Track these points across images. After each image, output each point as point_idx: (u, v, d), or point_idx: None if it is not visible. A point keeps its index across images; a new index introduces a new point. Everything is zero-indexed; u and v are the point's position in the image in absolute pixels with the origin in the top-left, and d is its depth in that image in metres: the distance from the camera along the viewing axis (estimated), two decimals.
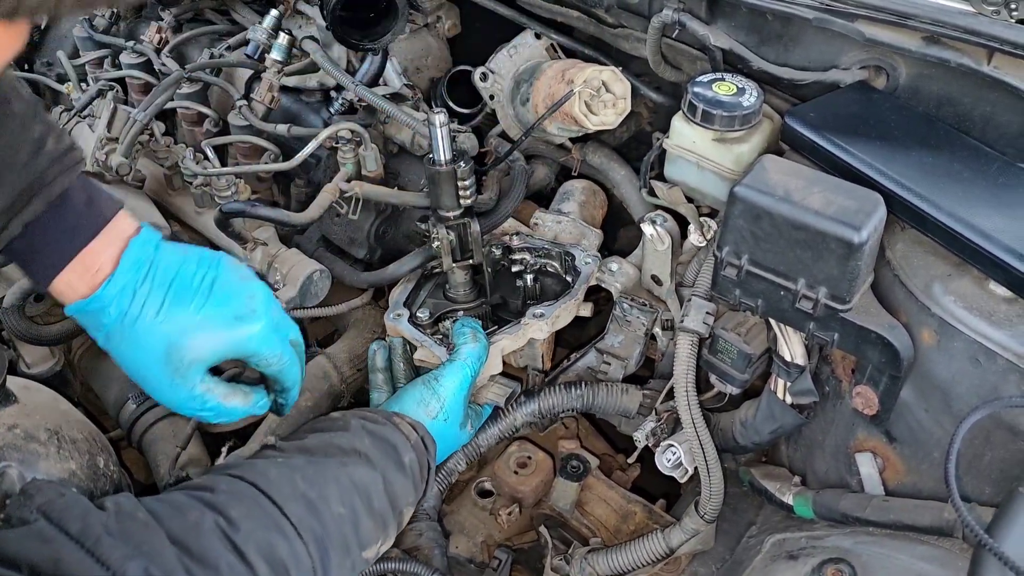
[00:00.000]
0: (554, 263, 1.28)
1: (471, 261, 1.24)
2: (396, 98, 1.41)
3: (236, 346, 0.90)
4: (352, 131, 1.30)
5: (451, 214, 1.19)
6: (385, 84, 1.43)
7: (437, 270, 1.27)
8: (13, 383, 1.08)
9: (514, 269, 1.29)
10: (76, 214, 0.87)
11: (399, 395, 1.11)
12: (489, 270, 1.27)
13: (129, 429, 1.36)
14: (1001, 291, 0.88)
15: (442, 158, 1.15)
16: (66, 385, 1.48)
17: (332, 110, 1.44)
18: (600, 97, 1.23)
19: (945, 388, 0.92)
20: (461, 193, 1.17)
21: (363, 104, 1.41)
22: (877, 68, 1.06)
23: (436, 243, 1.21)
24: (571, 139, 1.39)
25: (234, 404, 0.94)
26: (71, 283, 0.86)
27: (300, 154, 1.28)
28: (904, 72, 1.05)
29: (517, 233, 1.31)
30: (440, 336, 1.21)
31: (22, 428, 1.01)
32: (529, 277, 1.27)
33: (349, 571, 0.91)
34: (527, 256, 1.29)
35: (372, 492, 0.94)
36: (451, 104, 1.51)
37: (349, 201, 1.28)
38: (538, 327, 1.18)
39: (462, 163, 1.15)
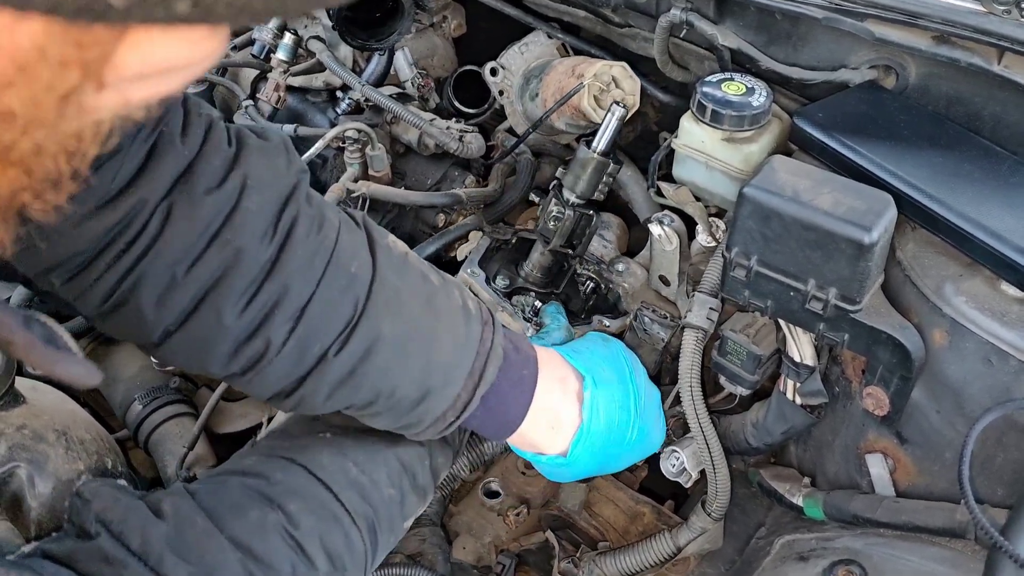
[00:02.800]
0: (605, 282, 1.31)
1: (572, 251, 1.25)
2: (403, 98, 1.41)
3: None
4: (359, 131, 1.30)
5: (581, 200, 1.20)
6: (397, 75, 1.43)
7: (506, 240, 1.30)
8: (21, 384, 1.08)
9: (579, 271, 1.31)
10: (514, 364, 0.97)
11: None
12: (566, 265, 1.29)
13: (136, 429, 1.36)
14: (1013, 291, 0.87)
15: (602, 147, 1.17)
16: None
17: (338, 110, 1.43)
18: (609, 92, 1.23)
19: (957, 389, 0.92)
20: (600, 187, 1.20)
21: (370, 104, 1.41)
22: (887, 68, 1.06)
23: (555, 221, 1.22)
24: (578, 139, 1.39)
25: None
26: (532, 441, 1.01)
27: (307, 154, 1.28)
28: (914, 72, 1.04)
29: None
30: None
31: (31, 429, 1.01)
32: (591, 285, 1.30)
33: (391, 544, 0.95)
34: (592, 267, 1.31)
35: (418, 470, 0.96)
36: (457, 104, 1.51)
37: (356, 201, 1.27)
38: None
39: (613, 163, 1.19)
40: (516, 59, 1.39)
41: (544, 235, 1.24)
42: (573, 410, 1.03)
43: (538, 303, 1.27)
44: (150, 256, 0.76)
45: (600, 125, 1.18)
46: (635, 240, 1.48)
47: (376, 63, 1.40)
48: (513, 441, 1.02)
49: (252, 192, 0.79)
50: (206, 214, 0.77)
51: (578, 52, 1.40)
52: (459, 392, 0.90)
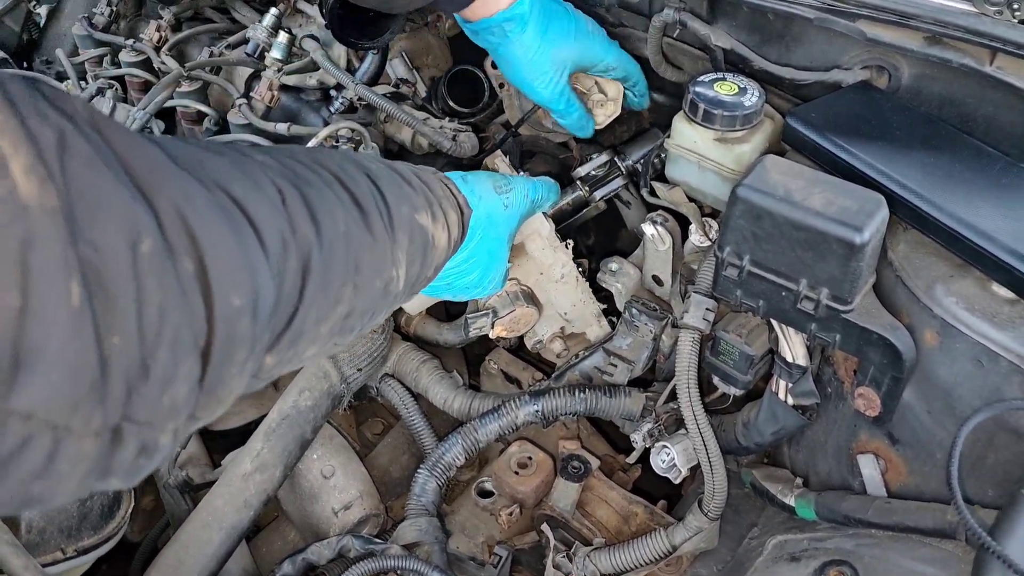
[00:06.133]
0: None
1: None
2: (397, 97, 1.40)
3: (590, 53, 1.19)
4: (352, 130, 1.29)
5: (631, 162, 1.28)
6: (395, 76, 1.43)
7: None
8: None
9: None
10: None
11: (471, 172, 1.09)
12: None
13: None
14: (1004, 292, 0.87)
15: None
16: None
17: (332, 109, 1.43)
18: (591, 97, 1.24)
19: (947, 390, 0.92)
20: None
21: (363, 103, 1.40)
22: (879, 68, 1.06)
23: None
24: (575, 138, 1.39)
25: (577, 104, 1.22)
26: (474, 10, 1.13)
27: None
28: (906, 72, 1.04)
29: None
30: None
31: None
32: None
33: (408, 222, 0.83)
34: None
35: (399, 168, 0.89)
36: (451, 103, 1.51)
37: None
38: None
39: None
40: None
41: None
42: None
43: None
44: None
45: None
46: (628, 240, 1.48)
47: (369, 62, 1.40)
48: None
49: None
50: None
51: None
52: None
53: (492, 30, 1.15)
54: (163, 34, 1.66)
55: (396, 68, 1.46)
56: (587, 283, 1.28)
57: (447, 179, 0.99)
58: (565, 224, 1.29)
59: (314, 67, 1.45)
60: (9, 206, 0.43)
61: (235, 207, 0.58)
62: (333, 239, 0.67)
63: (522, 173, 1.18)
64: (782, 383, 1.07)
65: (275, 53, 1.43)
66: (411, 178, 0.89)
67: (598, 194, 1.28)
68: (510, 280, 1.26)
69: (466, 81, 1.48)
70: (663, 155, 1.14)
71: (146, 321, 0.49)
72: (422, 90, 1.47)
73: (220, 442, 1.50)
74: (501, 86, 1.41)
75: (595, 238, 1.60)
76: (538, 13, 1.14)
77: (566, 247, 1.23)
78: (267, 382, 0.69)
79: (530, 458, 1.33)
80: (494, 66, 1.39)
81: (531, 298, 1.25)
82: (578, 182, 1.27)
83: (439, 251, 0.92)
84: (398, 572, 1.14)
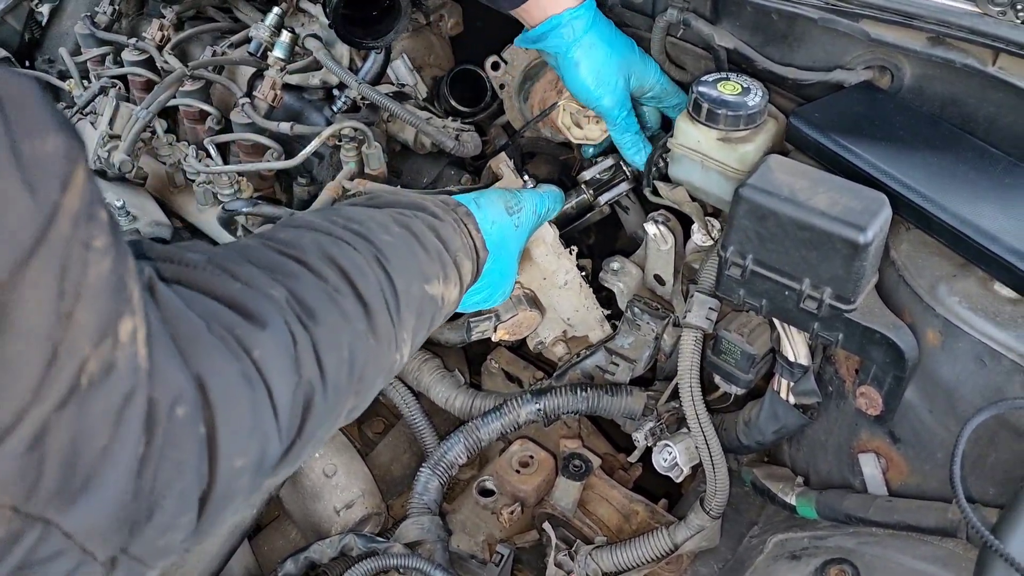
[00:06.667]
0: None
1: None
2: (400, 96, 1.41)
3: (643, 72, 1.20)
4: (355, 129, 1.30)
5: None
6: (397, 79, 1.43)
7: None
8: None
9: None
10: None
11: (481, 192, 1.09)
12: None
13: None
14: (1006, 292, 0.88)
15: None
16: None
17: (335, 108, 1.43)
18: (585, 112, 1.24)
19: (950, 389, 0.92)
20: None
21: (366, 102, 1.40)
22: (882, 68, 1.06)
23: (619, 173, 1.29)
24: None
25: (634, 119, 1.21)
26: (531, 11, 1.14)
27: (303, 152, 1.28)
28: (909, 72, 1.05)
29: None
30: None
31: None
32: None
33: (417, 300, 0.86)
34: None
35: (414, 226, 0.91)
36: (453, 102, 1.51)
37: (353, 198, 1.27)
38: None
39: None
40: (519, 55, 1.39)
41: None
42: None
43: None
44: None
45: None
46: (627, 240, 1.48)
47: (372, 61, 1.40)
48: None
49: None
50: None
51: None
52: None
53: (560, 31, 1.13)
54: (166, 33, 1.66)
55: (397, 69, 1.46)
56: (590, 289, 1.28)
57: (467, 218, 0.99)
58: (570, 228, 1.29)
59: (317, 66, 1.45)
60: (132, 366, 0.52)
61: (257, 374, 0.63)
62: (337, 373, 0.72)
63: (526, 178, 1.18)
64: (784, 382, 1.07)
65: (278, 52, 1.43)
66: (427, 239, 0.91)
67: (603, 198, 1.28)
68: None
69: (467, 81, 1.49)
70: (666, 155, 1.15)
71: (163, 474, 0.54)
72: (423, 90, 1.47)
73: None
74: (501, 87, 1.41)
75: (596, 238, 1.60)
76: (602, 20, 1.16)
77: (570, 253, 1.23)
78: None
79: (531, 457, 1.34)
80: (495, 67, 1.39)
81: (534, 302, 1.26)
82: (583, 186, 1.28)
83: (448, 307, 0.95)
84: (400, 571, 1.14)
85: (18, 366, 0.46)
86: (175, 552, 0.60)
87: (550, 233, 1.20)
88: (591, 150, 1.34)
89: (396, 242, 0.86)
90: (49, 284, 0.47)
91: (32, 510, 0.48)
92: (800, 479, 1.16)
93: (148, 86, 1.59)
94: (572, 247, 1.24)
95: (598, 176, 1.28)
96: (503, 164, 1.19)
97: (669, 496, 1.33)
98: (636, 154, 1.22)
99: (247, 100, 1.43)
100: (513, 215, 1.07)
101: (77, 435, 0.49)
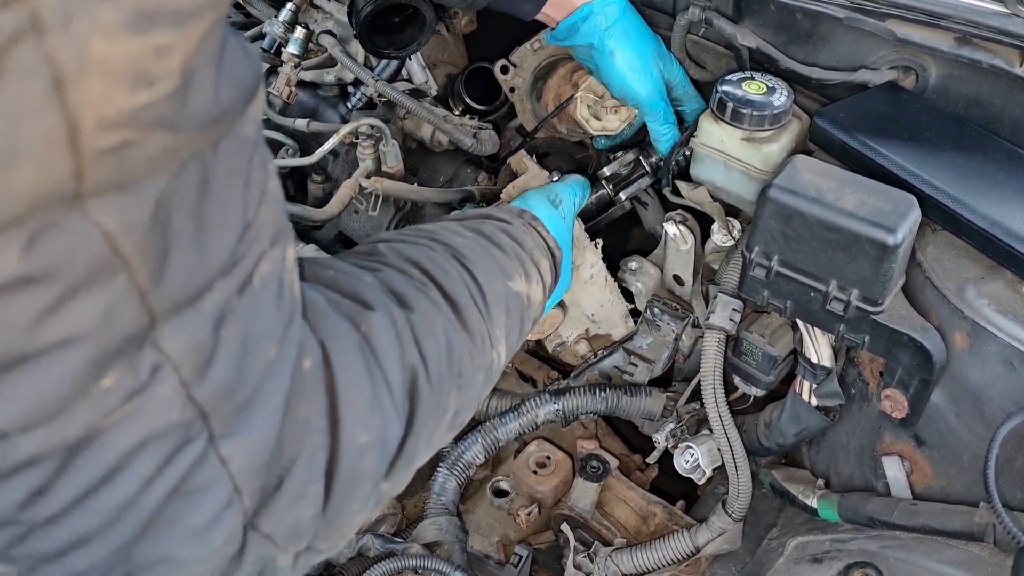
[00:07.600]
0: None
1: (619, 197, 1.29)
2: (416, 94, 1.40)
3: (670, 67, 1.18)
4: (373, 127, 1.29)
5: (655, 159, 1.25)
6: (409, 79, 1.42)
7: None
8: None
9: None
10: None
11: (523, 195, 1.09)
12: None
13: None
14: None
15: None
16: None
17: (350, 105, 1.42)
18: (603, 103, 1.23)
19: (977, 392, 0.91)
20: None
21: (382, 99, 1.40)
22: (906, 68, 1.05)
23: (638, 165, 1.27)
24: (591, 137, 1.39)
25: (670, 112, 1.18)
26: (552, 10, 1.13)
27: (321, 149, 1.27)
28: (934, 73, 1.04)
29: None
30: None
31: None
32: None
33: (503, 297, 0.85)
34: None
35: (485, 229, 0.91)
36: (468, 100, 1.50)
37: (369, 197, 1.27)
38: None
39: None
40: (528, 57, 1.38)
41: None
42: None
43: None
44: None
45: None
46: (641, 239, 1.48)
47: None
48: None
49: None
50: None
51: None
52: None
53: (594, 19, 1.12)
54: None
55: (410, 66, 1.45)
56: (615, 282, 1.27)
57: (536, 221, 0.99)
58: (591, 224, 1.28)
59: (331, 63, 1.44)
60: (293, 293, 0.53)
61: (370, 349, 0.62)
62: (437, 359, 0.70)
63: (554, 172, 1.17)
64: (806, 384, 1.06)
65: (292, 48, 1.42)
66: (501, 239, 0.90)
67: (624, 194, 1.27)
68: None
69: (482, 79, 1.48)
70: (687, 153, 1.14)
71: (294, 429, 0.53)
72: (433, 88, 1.46)
73: None
74: (512, 90, 1.40)
75: (611, 238, 1.59)
76: (632, 9, 1.15)
77: (595, 247, 1.22)
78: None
79: (549, 457, 1.33)
80: (503, 71, 1.38)
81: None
82: (603, 181, 1.27)
83: (535, 307, 0.93)
84: (418, 571, 1.13)
85: (217, 230, 0.45)
86: (306, 535, 0.57)
87: (576, 226, 1.19)
88: (604, 141, 1.33)
89: (471, 243, 0.85)
90: (241, 165, 0.46)
91: (199, 395, 0.46)
92: (821, 482, 1.16)
93: None
94: (597, 240, 1.23)
95: (619, 171, 1.27)
96: (524, 159, 1.18)
97: (686, 498, 1.33)
98: (666, 140, 1.20)
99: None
100: (558, 208, 1.06)
101: (247, 335, 0.48)
